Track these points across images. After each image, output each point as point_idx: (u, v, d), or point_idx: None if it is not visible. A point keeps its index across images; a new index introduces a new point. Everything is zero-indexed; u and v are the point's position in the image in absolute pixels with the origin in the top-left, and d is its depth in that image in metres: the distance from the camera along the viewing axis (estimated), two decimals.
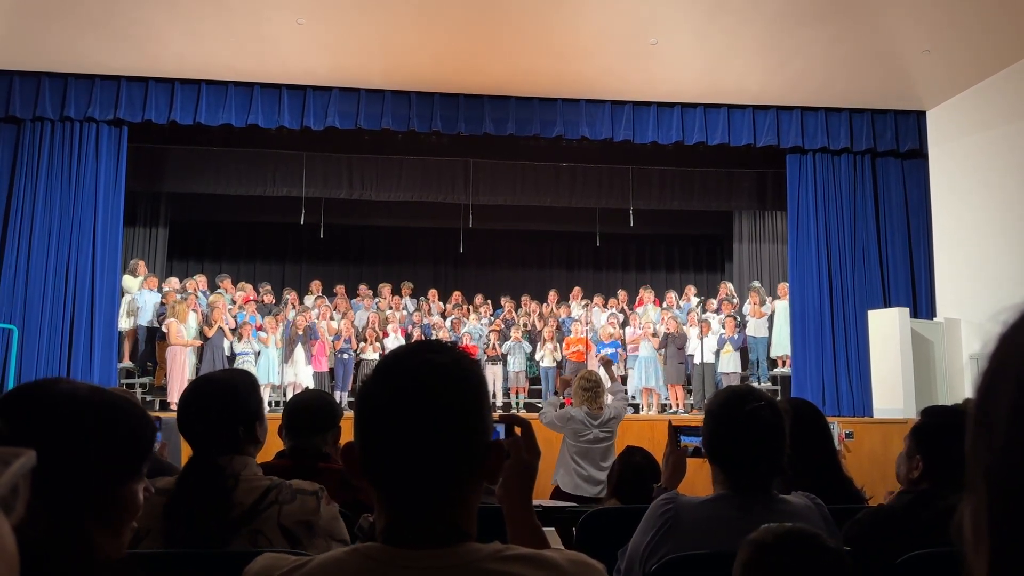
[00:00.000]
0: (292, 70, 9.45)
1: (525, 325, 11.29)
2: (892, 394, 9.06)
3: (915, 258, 10.22)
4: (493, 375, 10.42)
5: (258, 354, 9.93)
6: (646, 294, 11.74)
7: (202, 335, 9.79)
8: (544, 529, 1.35)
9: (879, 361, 9.33)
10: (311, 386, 9.77)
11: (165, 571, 1.73)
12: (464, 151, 10.76)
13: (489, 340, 10.83)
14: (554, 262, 14.31)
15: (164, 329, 9.67)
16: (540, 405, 10.41)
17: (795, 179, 10.39)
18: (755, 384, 9.65)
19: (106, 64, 9.25)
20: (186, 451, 2.07)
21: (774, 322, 10.76)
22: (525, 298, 12.11)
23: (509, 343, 10.82)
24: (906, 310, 9.43)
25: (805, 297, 10.12)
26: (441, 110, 9.88)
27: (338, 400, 9.05)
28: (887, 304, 9.89)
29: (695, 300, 11.66)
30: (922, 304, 10.05)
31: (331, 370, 10.52)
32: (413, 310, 11.58)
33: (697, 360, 10.36)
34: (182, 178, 10.89)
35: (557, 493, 4.96)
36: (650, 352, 10.34)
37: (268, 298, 11.33)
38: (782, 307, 10.67)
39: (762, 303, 10.91)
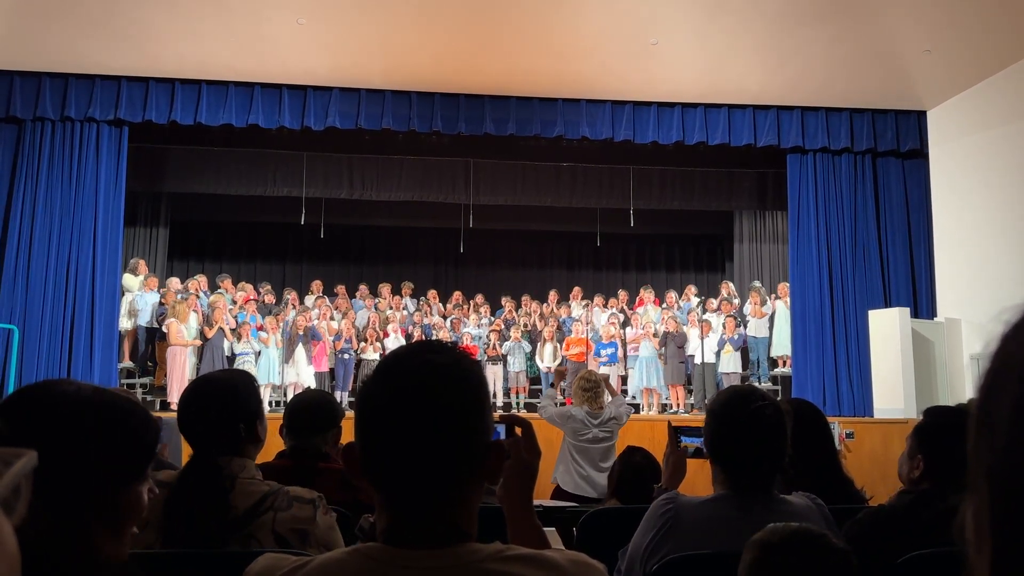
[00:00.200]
0: (292, 70, 9.45)
1: (525, 325, 11.29)
2: (892, 394, 9.06)
3: (916, 258, 10.21)
4: (493, 375, 10.42)
5: (258, 354, 9.94)
6: (646, 294, 11.74)
7: (202, 335, 9.79)
8: (545, 529, 1.35)
9: (879, 361, 9.32)
10: (313, 386, 9.77)
11: (164, 571, 1.73)
12: (464, 151, 10.76)
13: (489, 340, 10.83)
14: (554, 262, 14.31)
15: (164, 329, 9.67)
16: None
17: (795, 179, 10.39)
18: (756, 384, 9.65)
19: (106, 64, 9.25)
20: (187, 451, 2.07)
21: (775, 322, 10.76)
22: (525, 298, 12.10)
23: (509, 343, 10.82)
24: (907, 310, 9.43)
25: (806, 297, 10.12)
26: (441, 110, 9.88)
27: (339, 400, 9.06)
28: (888, 304, 9.89)
29: (695, 300, 11.66)
30: (923, 304, 10.05)
31: (331, 370, 10.52)
32: (413, 310, 11.58)
33: (698, 360, 10.35)
34: (183, 178, 10.89)
35: (557, 493, 4.96)
36: (650, 352, 10.34)
37: (269, 298, 11.33)
38: (782, 307, 10.67)
39: (763, 303, 10.90)
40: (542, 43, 8.84)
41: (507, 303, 11.92)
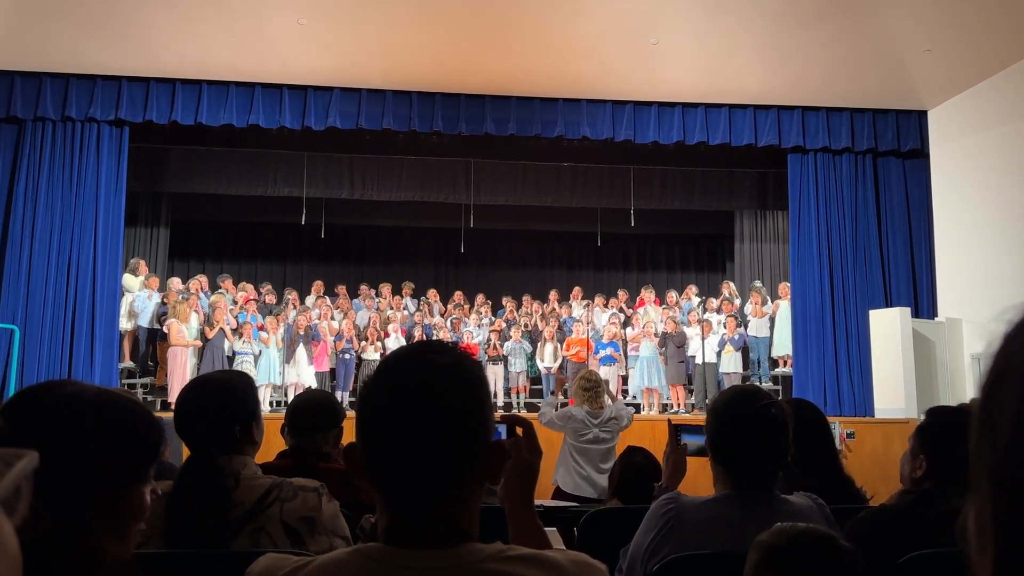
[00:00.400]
0: (293, 70, 9.45)
1: (526, 325, 11.28)
2: (893, 394, 9.06)
3: (916, 258, 10.21)
4: (494, 375, 10.42)
5: (259, 354, 9.94)
6: (647, 294, 11.74)
7: (203, 336, 9.80)
8: (546, 529, 1.35)
9: (880, 361, 9.32)
10: (313, 386, 9.77)
11: (167, 571, 1.73)
12: (465, 151, 10.76)
13: (490, 340, 10.83)
14: (555, 262, 14.31)
15: (165, 330, 9.68)
16: (540, 405, 10.45)
17: (796, 179, 10.39)
18: (756, 384, 9.64)
19: (107, 64, 9.25)
20: (187, 452, 2.07)
21: (776, 322, 10.76)
22: (526, 298, 12.10)
23: (510, 343, 10.82)
24: (907, 310, 9.43)
25: (806, 297, 10.11)
26: (442, 110, 9.88)
27: (340, 400, 9.06)
28: (888, 304, 9.88)
29: (696, 300, 11.67)
30: (923, 304, 10.04)
31: (332, 370, 10.52)
32: (414, 310, 11.58)
33: (699, 360, 10.35)
34: (183, 178, 10.89)
35: (558, 494, 4.96)
36: (651, 352, 10.33)
37: (270, 298, 11.34)
38: (783, 307, 10.67)
39: (764, 303, 10.90)
40: (543, 43, 8.84)
41: (508, 303, 11.92)
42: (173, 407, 2.28)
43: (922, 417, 2.33)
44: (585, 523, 2.73)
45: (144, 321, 10.09)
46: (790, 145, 10.26)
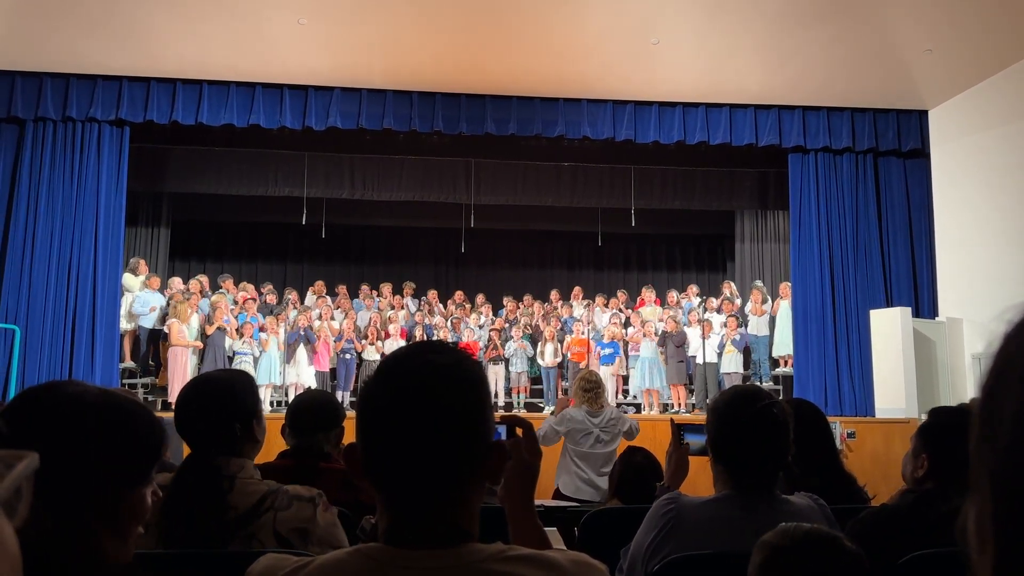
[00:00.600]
0: (294, 70, 9.45)
1: (527, 326, 11.28)
2: (894, 394, 9.05)
3: (917, 257, 10.21)
4: (495, 375, 10.42)
5: (259, 354, 9.94)
6: (647, 294, 11.74)
7: (203, 333, 9.81)
8: (546, 529, 1.35)
9: (881, 361, 9.32)
10: (314, 386, 9.78)
11: (165, 572, 1.73)
12: (466, 151, 10.76)
13: (491, 340, 10.82)
14: (555, 262, 14.31)
15: (166, 330, 9.68)
16: (541, 405, 10.46)
17: (797, 178, 10.38)
18: (757, 384, 9.64)
19: (108, 64, 9.25)
20: (187, 452, 2.07)
21: (776, 321, 10.75)
22: (528, 298, 12.10)
23: (513, 343, 10.81)
24: (908, 309, 9.43)
25: (807, 297, 10.11)
26: (443, 110, 9.88)
27: (340, 400, 9.06)
28: (889, 304, 9.88)
29: (696, 299, 11.67)
30: (924, 303, 10.04)
31: (333, 370, 10.52)
32: (415, 310, 11.58)
33: (699, 360, 10.35)
34: (184, 178, 10.89)
35: (558, 495, 4.96)
36: (652, 352, 10.33)
37: (270, 298, 11.34)
38: (784, 306, 10.66)
39: (764, 301, 10.91)
40: (543, 43, 8.83)
41: (508, 303, 11.92)
42: (173, 407, 2.28)
43: (923, 417, 2.33)
44: (585, 523, 2.73)
45: (148, 321, 10.08)
46: (791, 145, 10.26)
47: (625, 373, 10.69)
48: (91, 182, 9.45)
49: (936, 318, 9.84)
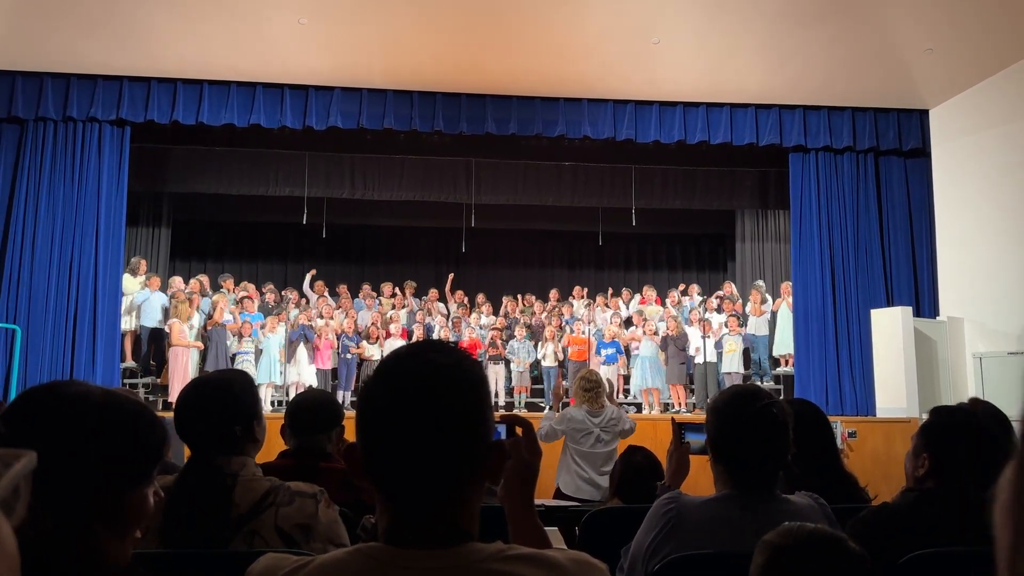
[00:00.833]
0: (294, 70, 9.45)
1: (528, 325, 11.28)
2: (895, 393, 9.05)
3: (918, 257, 10.20)
4: (495, 375, 10.42)
5: (259, 353, 9.94)
6: (649, 293, 11.74)
7: (204, 330, 9.82)
8: (547, 529, 1.35)
9: (882, 360, 9.32)
10: (315, 385, 9.79)
11: (165, 571, 1.73)
12: (466, 150, 10.76)
13: (491, 339, 10.81)
14: (556, 261, 14.30)
15: (167, 329, 9.68)
16: (542, 405, 10.46)
17: (798, 178, 10.38)
18: (758, 383, 9.64)
19: (108, 64, 9.26)
20: (188, 452, 2.07)
21: (776, 321, 10.75)
22: (529, 297, 12.10)
23: (514, 343, 10.81)
24: (909, 309, 9.42)
25: (808, 296, 10.11)
26: (443, 110, 9.88)
27: (341, 400, 9.07)
28: (890, 303, 9.88)
29: (698, 298, 11.67)
30: (925, 303, 10.03)
31: (334, 370, 10.53)
32: (416, 309, 11.58)
33: (699, 360, 10.34)
34: (184, 178, 10.90)
35: (559, 495, 4.96)
36: (651, 351, 10.33)
37: (271, 297, 11.35)
38: (785, 306, 10.66)
39: (763, 301, 10.90)
40: (544, 43, 8.83)
41: (509, 303, 11.92)
42: (173, 408, 2.28)
43: (924, 416, 2.33)
44: (586, 522, 2.73)
45: (150, 321, 10.07)
46: (791, 144, 10.25)
47: (626, 372, 10.68)
48: (92, 182, 9.46)
49: (937, 317, 9.84)
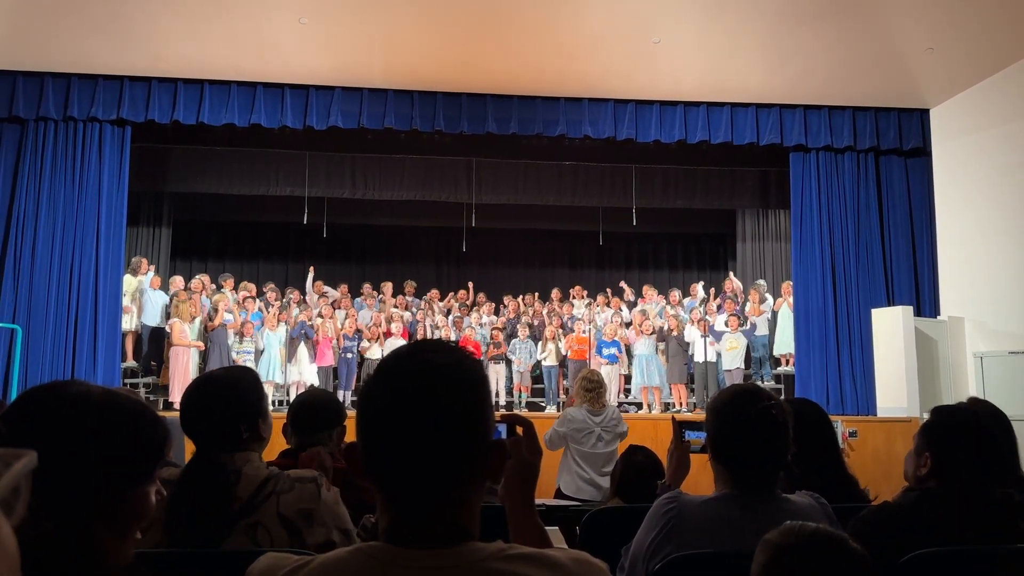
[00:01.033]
0: (295, 70, 9.45)
1: (530, 325, 11.28)
2: (896, 393, 9.05)
3: (919, 256, 10.20)
4: (496, 374, 10.42)
5: (260, 352, 9.95)
6: (650, 292, 11.73)
7: (205, 330, 9.82)
8: (547, 528, 1.35)
9: (883, 360, 9.31)
10: (316, 384, 9.79)
11: (167, 570, 1.73)
12: (467, 150, 10.76)
13: (492, 338, 10.81)
14: (557, 261, 14.31)
15: (167, 329, 9.69)
16: (543, 404, 10.46)
17: (798, 177, 10.38)
18: (759, 383, 9.63)
19: (109, 64, 9.26)
20: (189, 450, 2.07)
21: (778, 321, 10.75)
22: (530, 297, 12.10)
23: (516, 341, 10.81)
24: (910, 308, 9.42)
25: (809, 296, 10.10)
26: (444, 109, 9.88)
27: (342, 399, 9.06)
28: (891, 302, 9.87)
29: (702, 294, 11.68)
30: (926, 302, 10.03)
31: (335, 369, 10.53)
32: (416, 309, 11.58)
33: (699, 359, 10.34)
34: (185, 178, 10.90)
35: (560, 495, 4.96)
36: (649, 349, 10.32)
37: (271, 296, 11.35)
38: (785, 306, 10.65)
39: (761, 301, 10.90)
40: (544, 42, 8.83)
41: (510, 302, 11.92)
42: (177, 406, 2.29)
43: (924, 416, 2.32)
44: (587, 522, 2.73)
45: (152, 320, 10.07)
46: (792, 144, 10.25)
47: (627, 372, 10.68)
48: (92, 182, 9.46)
49: (938, 317, 9.83)
